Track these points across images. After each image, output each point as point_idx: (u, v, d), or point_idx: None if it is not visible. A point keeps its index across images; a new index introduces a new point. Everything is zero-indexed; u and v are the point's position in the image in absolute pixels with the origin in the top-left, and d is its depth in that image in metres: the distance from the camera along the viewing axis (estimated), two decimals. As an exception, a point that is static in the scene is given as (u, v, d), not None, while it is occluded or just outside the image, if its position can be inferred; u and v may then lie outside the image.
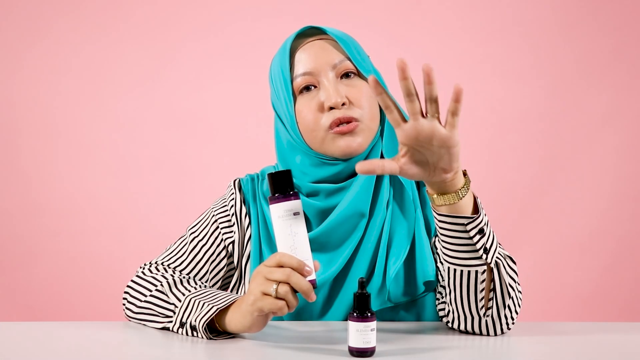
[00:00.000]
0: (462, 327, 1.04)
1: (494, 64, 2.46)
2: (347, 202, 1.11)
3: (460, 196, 0.94)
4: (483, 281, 0.99)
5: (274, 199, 0.95)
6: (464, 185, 0.95)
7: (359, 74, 1.14)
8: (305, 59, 1.13)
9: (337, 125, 1.10)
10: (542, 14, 2.46)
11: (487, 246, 0.97)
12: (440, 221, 0.98)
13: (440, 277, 1.10)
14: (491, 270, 0.99)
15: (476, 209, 0.97)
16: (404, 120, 0.89)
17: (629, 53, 2.45)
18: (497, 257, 0.99)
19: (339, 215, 1.11)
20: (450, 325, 1.06)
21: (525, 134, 2.45)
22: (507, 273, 1.01)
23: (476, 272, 0.98)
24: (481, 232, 0.96)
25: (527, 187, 2.46)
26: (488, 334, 1.03)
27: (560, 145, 2.45)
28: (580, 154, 2.45)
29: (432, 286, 1.12)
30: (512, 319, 1.03)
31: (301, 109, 1.13)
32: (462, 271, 0.99)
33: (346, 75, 1.13)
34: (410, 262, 1.12)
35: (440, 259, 1.06)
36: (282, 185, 0.95)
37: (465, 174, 0.97)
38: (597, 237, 2.44)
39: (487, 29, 2.47)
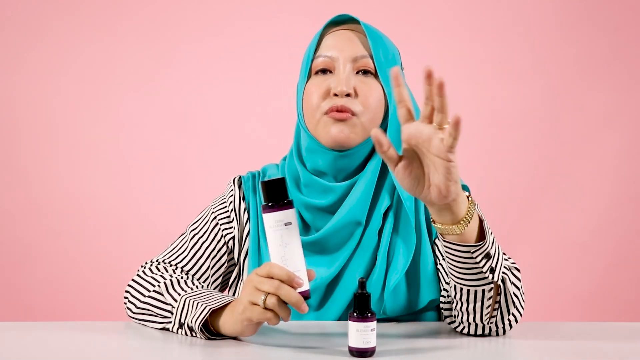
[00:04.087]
0: (465, 332, 1.05)
1: (494, 64, 2.46)
2: (345, 211, 1.12)
3: (464, 227, 0.91)
4: (490, 298, 0.99)
5: (266, 208, 0.93)
6: (467, 213, 0.90)
7: (375, 75, 1.14)
8: (330, 44, 1.15)
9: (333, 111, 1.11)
10: (542, 14, 2.46)
11: (493, 266, 0.95)
12: (445, 247, 0.95)
13: (443, 280, 1.11)
14: (498, 286, 0.99)
15: (482, 234, 0.94)
16: (413, 119, 0.88)
17: (628, 53, 2.45)
18: (503, 273, 0.98)
19: (337, 223, 1.11)
20: (454, 327, 1.06)
21: (525, 134, 2.45)
22: (513, 283, 1.00)
23: (483, 290, 0.98)
24: (487, 256, 0.93)
25: (527, 187, 2.45)
26: (490, 335, 1.04)
27: (560, 145, 2.45)
28: (580, 153, 2.45)
29: (433, 304, 1.13)
30: (516, 321, 1.03)
31: (309, 87, 1.15)
32: (468, 290, 0.98)
33: (363, 72, 1.14)
34: (411, 278, 1.12)
35: (444, 270, 1.06)
36: (274, 193, 0.92)
37: (468, 197, 0.93)
38: (597, 237, 2.44)
39: (487, 29, 2.47)
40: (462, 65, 2.44)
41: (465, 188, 1.17)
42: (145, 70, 2.46)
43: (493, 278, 0.95)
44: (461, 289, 0.99)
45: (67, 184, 2.45)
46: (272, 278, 0.92)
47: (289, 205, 0.93)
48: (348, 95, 1.11)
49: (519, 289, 1.02)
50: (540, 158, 2.45)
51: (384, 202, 1.14)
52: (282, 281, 0.91)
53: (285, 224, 0.92)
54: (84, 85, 2.46)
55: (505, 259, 1.00)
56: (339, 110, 1.10)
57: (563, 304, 2.44)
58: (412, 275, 1.12)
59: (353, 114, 1.11)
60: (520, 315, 1.03)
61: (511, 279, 1.00)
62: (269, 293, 0.92)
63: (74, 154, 2.45)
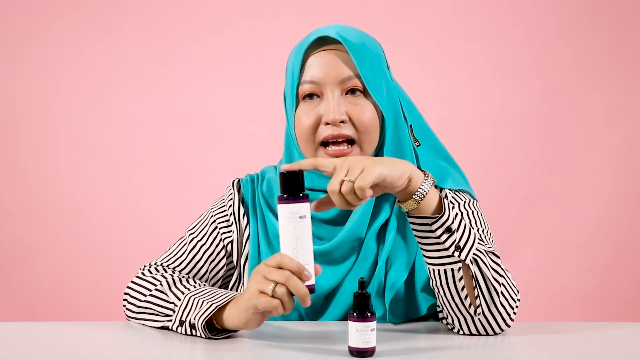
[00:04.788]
0: (458, 329, 1.05)
1: (494, 64, 2.46)
2: (349, 227, 1.12)
3: (418, 200, 0.97)
4: (461, 279, 0.99)
5: (282, 199, 0.93)
6: (420, 186, 0.97)
7: (365, 93, 1.12)
8: (314, 68, 1.11)
9: (330, 142, 1.10)
10: (542, 14, 2.46)
11: (461, 244, 0.98)
12: (410, 223, 1.00)
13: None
14: (468, 267, 0.99)
15: (441, 209, 0.98)
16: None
17: (629, 53, 2.45)
18: (474, 254, 0.99)
19: (343, 236, 1.12)
20: (450, 328, 1.07)
21: (526, 134, 2.45)
22: (491, 268, 1.01)
23: (452, 270, 0.99)
24: (449, 230, 0.97)
25: (527, 187, 2.46)
26: (487, 333, 1.03)
27: (560, 145, 2.45)
28: (580, 153, 2.45)
29: (433, 310, 1.14)
30: (508, 314, 1.02)
31: (300, 115, 1.12)
32: (438, 270, 1.00)
33: (352, 91, 1.11)
34: (411, 286, 1.13)
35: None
36: (292, 186, 0.93)
37: (427, 175, 0.98)
38: (597, 237, 2.44)
39: (487, 29, 2.47)
40: (462, 65, 2.44)
41: (469, 193, 1.17)
42: (145, 70, 2.46)
43: (460, 256, 0.98)
44: (432, 270, 1.01)
45: (67, 184, 2.45)
46: (281, 268, 0.93)
47: (305, 198, 0.93)
48: (342, 121, 1.09)
49: (501, 275, 1.01)
50: (540, 158, 2.45)
51: (383, 214, 1.14)
52: (291, 272, 0.92)
53: (300, 217, 0.93)
54: (84, 85, 2.46)
55: (481, 244, 1.02)
56: (335, 138, 1.09)
57: (563, 304, 2.44)
58: (412, 283, 1.13)
59: (349, 141, 1.10)
60: (512, 308, 1.02)
61: (488, 263, 1.00)
62: (278, 283, 0.92)
63: (74, 154, 2.45)
